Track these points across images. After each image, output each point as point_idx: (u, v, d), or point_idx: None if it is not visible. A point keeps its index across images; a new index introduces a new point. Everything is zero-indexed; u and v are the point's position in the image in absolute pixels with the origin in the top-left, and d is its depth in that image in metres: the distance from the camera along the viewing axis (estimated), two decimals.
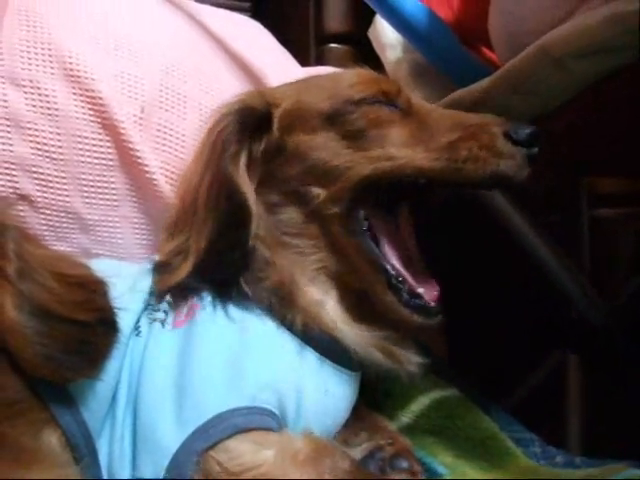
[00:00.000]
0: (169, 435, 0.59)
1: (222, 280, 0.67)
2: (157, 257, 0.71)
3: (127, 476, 0.60)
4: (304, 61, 1.17)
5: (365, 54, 1.08)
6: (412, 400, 0.81)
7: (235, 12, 1.14)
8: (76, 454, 0.59)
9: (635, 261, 1.30)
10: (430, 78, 0.88)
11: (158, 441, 0.59)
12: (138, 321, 0.66)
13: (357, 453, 0.70)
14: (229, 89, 0.87)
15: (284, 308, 0.66)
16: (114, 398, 0.62)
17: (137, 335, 0.65)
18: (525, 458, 0.74)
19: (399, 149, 0.66)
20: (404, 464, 0.67)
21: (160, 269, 0.69)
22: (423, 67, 0.90)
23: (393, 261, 0.68)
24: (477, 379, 0.89)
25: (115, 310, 0.61)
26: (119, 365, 0.63)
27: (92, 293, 0.61)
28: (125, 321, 0.63)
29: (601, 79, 0.74)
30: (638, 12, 0.58)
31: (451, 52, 0.84)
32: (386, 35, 0.99)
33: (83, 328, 0.59)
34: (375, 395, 0.80)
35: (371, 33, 1.08)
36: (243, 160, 0.68)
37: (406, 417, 0.79)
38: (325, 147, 0.68)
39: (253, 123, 0.69)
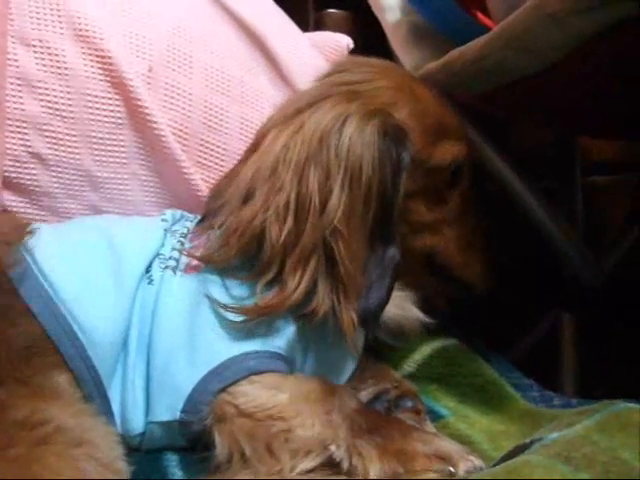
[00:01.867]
0: (183, 377, 0.61)
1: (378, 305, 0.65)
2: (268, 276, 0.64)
3: (141, 421, 0.63)
4: (303, 26, 1.18)
5: (363, 18, 1.09)
6: (415, 350, 0.83)
7: None
8: (88, 399, 0.62)
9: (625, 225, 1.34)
10: (428, 39, 0.90)
11: (172, 383, 0.61)
12: (149, 270, 0.67)
13: (364, 396, 0.73)
14: (233, 50, 0.90)
15: None
16: (125, 344, 0.64)
17: (149, 283, 0.66)
18: (524, 401, 0.77)
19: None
20: (409, 403, 0.70)
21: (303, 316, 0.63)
22: (421, 29, 0.92)
23: None
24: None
25: None
26: (128, 312, 0.64)
27: None
28: (131, 270, 0.66)
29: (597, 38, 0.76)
30: None
31: (448, 12, 0.86)
32: None
33: None
34: (381, 348, 0.83)
35: None
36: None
37: (410, 367, 0.82)
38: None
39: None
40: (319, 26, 1.18)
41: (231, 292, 0.65)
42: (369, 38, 1.07)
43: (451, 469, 0.57)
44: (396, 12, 0.96)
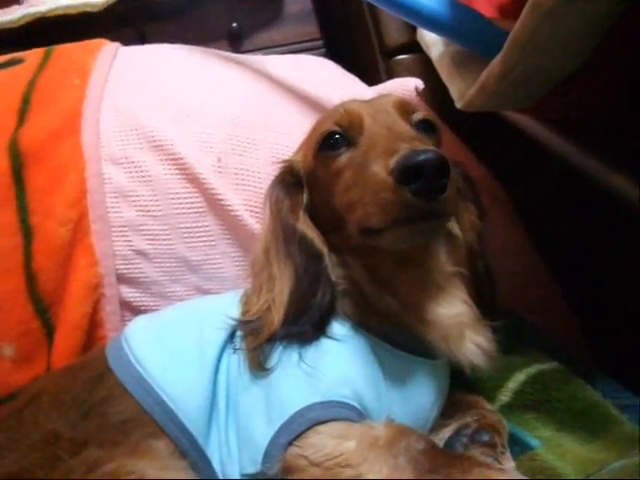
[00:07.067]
0: (261, 433, 0.67)
1: (315, 322, 0.71)
2: (243, 317, 0.75)
3: (237, 474, 0.69)
4: (376, 76, 1.22)
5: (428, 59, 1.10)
6: (509, 378, 0.82)
7: (311, 49, 1.26)
8: (186, 456, 0.70)
9: None
10: (469, 66, 0.87)
11: (253, 439, 0.68)
12: (232, 340, 0.75)
13: (447, 432, 0.73)
14: (296, 124, 0.96)
15: (360, 311, 0.72)
16: (214, 406, 0.72)
17: (234, 352, 0.74)
18: (630, 424, 0.72)
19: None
20: (485, 437, 0.69)
21: (248, 327, 0.73)
22: (463, 57, 0.90)
23: None
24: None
25: None
26: (210, 379, 0.72)
27: None
28: (212, 342, 0.74)
29: None
30: None
31: (477, 30, 0.84)
32: (428, 34, 1.01)
33: None
34: (475, 378, 0.82)
35: (418, 36, 1.11)
36: (302, 211, 0.75)
37: (505, 396, 0.81)
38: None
39: (294, 181, 0.77)
40: (390, 74, 1.21)
41: None
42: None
43: None
44: (439, 45, 0.96)
